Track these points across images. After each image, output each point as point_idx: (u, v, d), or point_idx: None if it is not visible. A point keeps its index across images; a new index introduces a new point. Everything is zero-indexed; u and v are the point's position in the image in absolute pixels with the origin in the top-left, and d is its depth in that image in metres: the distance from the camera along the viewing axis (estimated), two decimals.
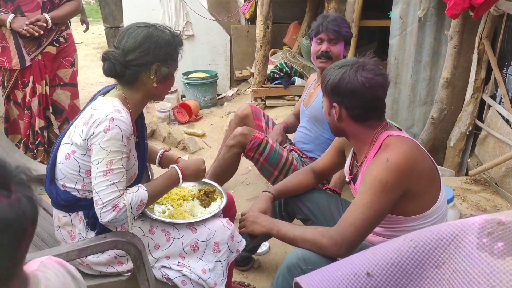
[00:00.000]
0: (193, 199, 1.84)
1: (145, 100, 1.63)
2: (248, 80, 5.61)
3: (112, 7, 5.91)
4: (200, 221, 1.66)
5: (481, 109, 2.92)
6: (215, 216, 1.70)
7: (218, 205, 1.80)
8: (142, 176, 1.72)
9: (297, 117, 2.82)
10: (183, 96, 5.29)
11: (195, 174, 1.70)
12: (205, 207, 1.79)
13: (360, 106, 1.52)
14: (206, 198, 1.83)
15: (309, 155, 2.57)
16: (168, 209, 1.76)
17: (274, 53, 5.11)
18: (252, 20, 5.41)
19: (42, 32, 2.86)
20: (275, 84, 4.56)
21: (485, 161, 2.75)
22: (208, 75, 5.12)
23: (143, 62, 1.51)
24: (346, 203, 1.89)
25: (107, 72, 1.54)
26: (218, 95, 5.38)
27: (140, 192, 1.52)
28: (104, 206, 1.43)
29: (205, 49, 5.43)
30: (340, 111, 1.55)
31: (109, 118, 1.43)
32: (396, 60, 3.11)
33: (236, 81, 5.68)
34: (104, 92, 1.62)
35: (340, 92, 1.52)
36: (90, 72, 6.73)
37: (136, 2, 5.22)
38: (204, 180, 1.92)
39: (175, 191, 1.86)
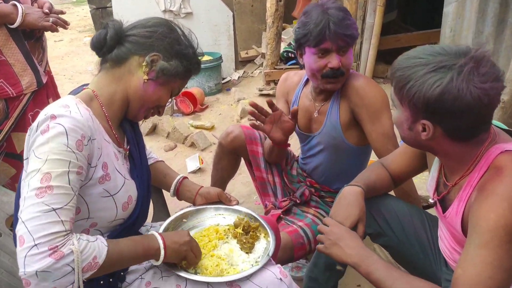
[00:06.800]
0: (227, 237, 1.37)
1: (124, 101, 1.20)
2: (255, 61, 5.06)
3: None
4: (245, 277, 1.19)
5: None
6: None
7: (263, 247, 1.33)
8: (147, 201, 1.29)
9: None
10: None
11: (176, 248, 1.16)
12: (247, 252, 1.31)
13: (469, 127, 1.06)
14: (246, 236, 1.35)
15: (334, 188, 1.90)
16: None
17: (283, 29, 4.54)
18: None
19: (68, 25, 1.95)
20: (289, 64, 4.14)
21: None
22: (211, 57, 4.51)
23: (142, 42, 1.17)
24: (433, 220, 1.47)
25: (94, 41, 1.19)
26: (223, 79, 4.82)
27: (98, 244, 1.00)
28: (36, 245, 0.90)
29: (206, 28, 4.86)
30: (434, 131, 1.09)
31: (49, 116, 1.01)
32: (452, 31, 2.58)
33: (241, 63, 5.16)
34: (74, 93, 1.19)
35: (440, 111, 1.03)
36: (77, 59, 6.11)
37: None
38: (240, 208, 1.46)
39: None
